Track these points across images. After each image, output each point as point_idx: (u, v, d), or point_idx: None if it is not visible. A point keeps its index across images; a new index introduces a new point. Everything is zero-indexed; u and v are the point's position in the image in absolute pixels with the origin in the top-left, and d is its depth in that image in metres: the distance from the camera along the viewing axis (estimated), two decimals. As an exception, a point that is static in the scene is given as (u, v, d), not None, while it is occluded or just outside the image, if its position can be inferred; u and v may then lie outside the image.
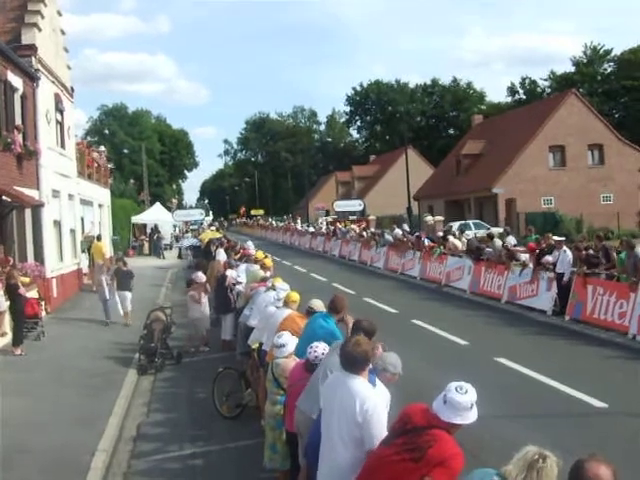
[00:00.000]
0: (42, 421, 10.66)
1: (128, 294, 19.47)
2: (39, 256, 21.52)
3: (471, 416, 4.48)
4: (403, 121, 79.73)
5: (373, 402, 5.00)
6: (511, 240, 23.36)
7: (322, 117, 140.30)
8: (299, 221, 68.23)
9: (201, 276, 16.79)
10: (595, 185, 50.25)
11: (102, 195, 36.78)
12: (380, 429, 4.91)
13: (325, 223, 56.81)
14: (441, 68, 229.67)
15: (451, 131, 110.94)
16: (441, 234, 28.73)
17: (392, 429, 4.73)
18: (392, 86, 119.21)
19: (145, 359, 14.46)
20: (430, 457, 4.35)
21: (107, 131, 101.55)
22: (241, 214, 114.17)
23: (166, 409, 11.85)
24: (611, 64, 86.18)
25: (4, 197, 18.65)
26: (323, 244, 45.56)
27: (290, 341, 7.46)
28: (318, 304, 8.84)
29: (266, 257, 16.67)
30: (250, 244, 21.48)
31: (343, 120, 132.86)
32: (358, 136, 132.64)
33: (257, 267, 14.82)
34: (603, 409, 10.46)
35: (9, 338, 16.22)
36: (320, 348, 6.55)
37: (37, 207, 21.43)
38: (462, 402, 4.43)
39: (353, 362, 5.20)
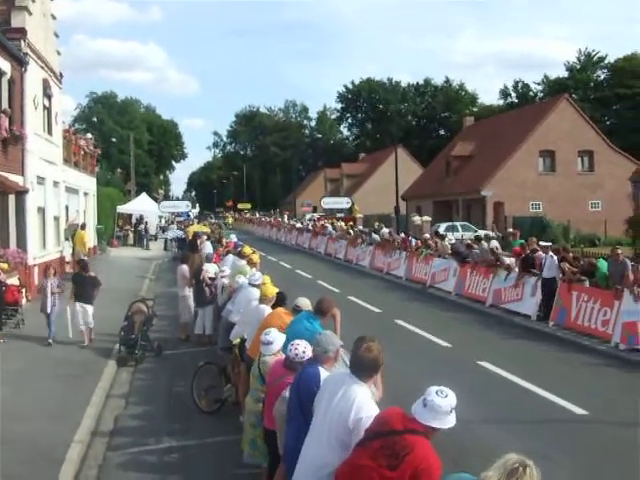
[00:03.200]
0: (18, 411, 10.57)
1: (89, 308, 15.55)
2: (22, 243, 21.38)
3: (450, 420, 4.46)
4: (394, 120, 79.75)
5: (369, 413, 4.94)
6: (494, 244, 23.45)
7: (313, 113, 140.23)
8: (286, 217, 68.17)
9: (185, 269, 16.74)
10: (584, 191, 50.44)
11: (88, 183, 36.62)
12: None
13: (313, 220, 56.69)
14: (434, 68, 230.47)
15: (442, 132, 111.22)
16: (427, 236, 28.81)
17: (368, 431, 4.69)
18: (384, 85, 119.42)
19: (125, 350, 14.39)
20: (407, 465, 4.30)
21: (95, 119, 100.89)
22: (229, 206, 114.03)
23: (144, 402, 11.79)
24: (605, 71, 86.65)
25: (-13, 182, 18.52)
26: (309, 241, 45.53)
27: (278, 338, 7.40)
28: (304, 302, 8.81)
29: (254, 253, 16.65)
30: (233, 237, 21.43)
31: (334, 117, 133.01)
32: (348, 134, 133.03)
33: (244, 262, 14.79)
34: (584, 416, 10.49)
35: (-12, 325, 16.06)
36: (301, 346, 6.50)
37: (21, 193, 21.30)
38: (442, 406, 4.41)
39: (361, 367, 5.13)
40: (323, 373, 5.71)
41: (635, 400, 11.49)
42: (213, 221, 45.62)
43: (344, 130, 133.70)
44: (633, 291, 14.96)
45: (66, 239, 28.33)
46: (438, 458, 4.38)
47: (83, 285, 15.67)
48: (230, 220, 46.32)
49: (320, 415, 5.20)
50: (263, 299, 9.86)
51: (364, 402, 5.00)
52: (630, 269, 15.91)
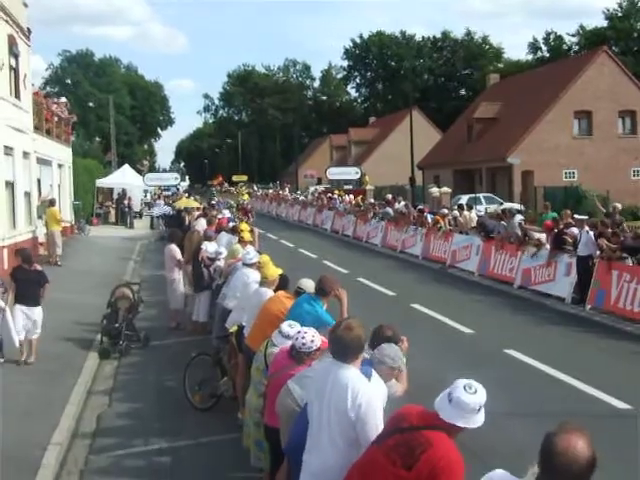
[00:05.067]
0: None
1: (36, 312, 13.55)
2: (-12, 222, 21.40)
3: (478, 420, 4.42)
4: (408, 79, 79.18)
5: (367, 396, 4.96)
6: (520, 217, 23.35)
7: (316, 72, 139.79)
8: (287, 189, 68.15)
9: (174, 249, 16.75)
10: (625, 157, 50.22)
11: (62, 154, 36.56)
12: (375, 426, 4.87)
13: (317, 193, 56.64)
14: (452, 19, 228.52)
15: (463, 92, 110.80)
16: (445, 211, 28.76)
17: (385, 427, 4.71)
18: (396, 39, 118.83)
19: (108, 341, 14.45)
20: (423, 464, 4.29)
21: (69, 81, 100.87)
22: (217, 183, 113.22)
23: (130, 399, 11.86)
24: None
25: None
26: (313, 216, 45.57)
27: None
28: (308, 284, 8.83)
29: (251, 231, 16.69)
30: (226, 212, 21.46)
31: (340, 76, 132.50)
32: (357, 95, 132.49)
33: (236, 240, 14.82)
34: (627, 410, 10.52)
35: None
36: (309, 335, 6.52)
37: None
38: (470, 403, 4.36)
39: (344, 349, 5.15)
40: (375, 377, 5.55)
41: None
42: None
43: (352, 91, 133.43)
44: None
45: (39, 217, 28.36)
46: (460, 455, 4.36)
47: (26, 283, 13.48)
48: (246, 197, 45.32)
49: (314, 416, 5.21)
50: (264, 282, 9.86)
51: (358, 386, 5.01)
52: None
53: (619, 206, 19.80)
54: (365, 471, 4.59)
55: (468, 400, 4.35)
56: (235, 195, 63.29)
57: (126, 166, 57.59)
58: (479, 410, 4.41)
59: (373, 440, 4.73)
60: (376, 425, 4.86)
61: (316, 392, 5.27)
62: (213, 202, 37.20)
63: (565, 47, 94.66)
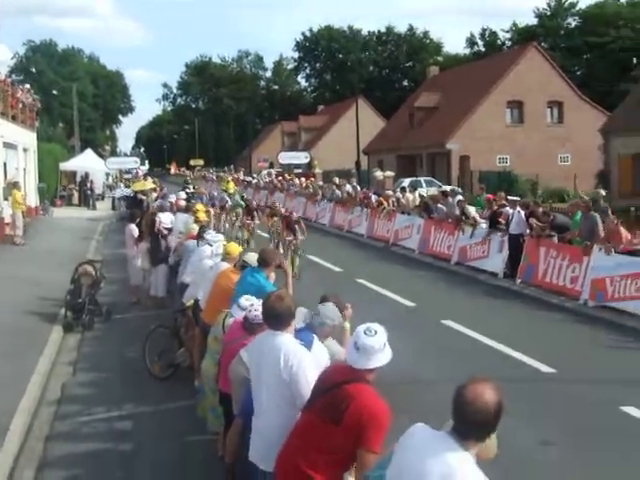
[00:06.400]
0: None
1: None
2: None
3: (386, 356, 4.53)
4: (355, 70, 79.32)
5: (298, 358, 5.03)
6: (460, 198, 23.62)
7: (269, 63, 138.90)
8: (242, 173, 67.76)
9: (133, 229, 16.59)
10: (553, 144, 50.85)
11: (27, 138, 35.88)
12: (308, 386, 4.92)
13: (273, 174, 56.34)
14: (396, 16, 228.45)
15: (405, 83, 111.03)
16: (390, 192, 28.94)
17: (312, 390, 4.77)
18: (344, 32, 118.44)
19: (72, 316, 14.26)
20: (349, 417, 4.36)
21: (34, 69, 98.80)
22: (170, 169, 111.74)
23: (93, 369, 11.75)
24: (576, 18, 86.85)
25: None
26: (266, 198, 45.39)
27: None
28: (252, 258, 8.82)
29: (207, 211, 16.59)
30: (182, 194, 21.28)
31: (291, 67, 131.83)
32: (306, 85, 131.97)
33: (192, 220, 14.72)
34: (551, 374, 10.76)
35: None
36: (260, 307, 6.52)
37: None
38: (374, 344, 4.46)
39: (276, 318, 5.23)
40: (317, 342, 5.69)
41: (602, 357, 11.82)
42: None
43: (302, 81, 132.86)
44: (604, 247, 15.27)
45: (5, 199, 27.88)
46: (384, 404, 4.44)
47: None
48: (231, 186, 36.41)
49: (257, 381, 5.27)
50: (226, 257, 9.75)
51: (290, 349, 5.09)
52: (600, 224, 16.17)
53: (603, 192, 19.97)
54: (301, 433, 4.66)
55: (372, 342, 4.46)
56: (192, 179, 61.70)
57: (88, 150, 56.74)
58: (385, 347, 4.52)
59: (304, 405, 4.79)
60: (308, 385, 4.91)
61: (256, 359, 5.32)
62: (188, 190, 35.11)
63: (499, 42, 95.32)
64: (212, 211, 18.34)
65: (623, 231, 15.57)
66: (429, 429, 3.64)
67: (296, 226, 19.40)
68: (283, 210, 23.19)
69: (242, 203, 27.59)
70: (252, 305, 6.63)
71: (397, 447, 3.73)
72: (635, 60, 61.79)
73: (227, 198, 29.65)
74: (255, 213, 25.15)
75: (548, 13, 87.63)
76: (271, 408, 5.10)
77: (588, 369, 11.15)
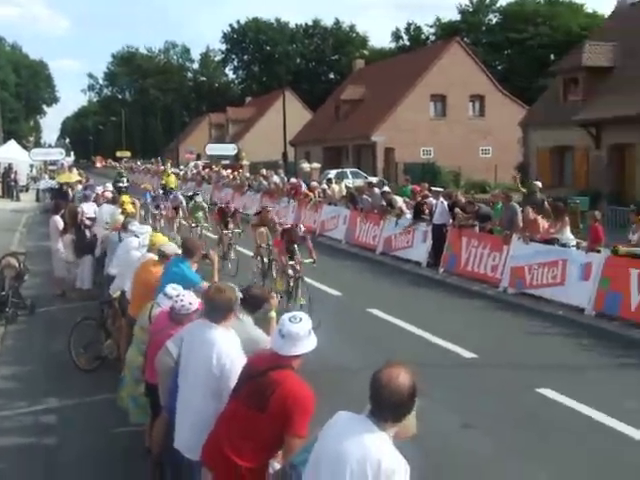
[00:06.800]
0: None
1: None
2: None
3: (311, 343, 4.59)
4: (282, 63, 79.17)
5: (231, 358, 5.02)
6: (386, 189, 23.87)
7: (196, 55, 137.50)
8: (169, 165, 66.96)
9: (58, 220, 16.23)
10: (475, 137, 51.75)
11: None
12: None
13: (200, 166, 55.80)
14: (323, 9, 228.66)
15: (331, 76, 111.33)
16: (315, 184, 28.99)
17: (239, 378, 4.78)
18: (271, 25, 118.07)
19: (-6, 309, 13.91)
20: (274, 403, 4.40)
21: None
22: (96, 162, 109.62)
23: (17, 362, 11.46)
24: (497, 15, 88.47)
25: None
26: (193, 190, 44.94)
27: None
28: (170, 248, 8.75)
29: (133, 203, 16.33)
30: (109, 186, 20.94)
31: (218, 59, 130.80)
32: (234, 76, 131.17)
33: (119, 212, 14.48)
34: (473, 359, 10.99)
35: None
36: (187, 297, 6.47)
37: None
38: (299, 331, 4.52)
39: (215, 310, 5.21)
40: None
41: (521, 342, 12.13)
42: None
43: (229, 73, 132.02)
44: (523, 236, 15.65)
45: None
46: (308, 390, 4.49)
47: None
48: (172, 180, 34.36)
49: (185, 371, 5.24)
50: (152, 249, 9.60)
51: (224, 346, 5.07)
52: (519, 215, 16.56)
53: (539, 184, 20.26)
54: (228, 420, 4.67)
55: (297, 329, 4.51)
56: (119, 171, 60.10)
57: (11, 141, 55.29)
58: (310, 334, 4.58)
59: (231, 393, 4.80)
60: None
61: (187, 349, 5.29)
62: (121, 184, 32.72)
63: (424, 37, 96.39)
64: (137, 202, 17.96)
65: (541, 221, 15.97)
66: (349, 414, 3.70)
67: (296, 246, 14.05)
68: (281, 220, 18.75)
69: (205, 205, 22.91)
70: (178, 295, 6.57)
71: (320, 434, 3.78)
72: (553, 56, 63.33)
73: (181, 197, 23.96)
74: (231, 219, 19.43)
75: (470, 9, 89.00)
76: (197, 398, 5.07)
77: (508, 354, 11.42)
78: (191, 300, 6.42)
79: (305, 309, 11.53)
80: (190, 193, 26.89)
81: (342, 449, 3.48)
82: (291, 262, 13.67)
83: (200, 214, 21.82)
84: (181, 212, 23.22)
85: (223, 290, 5.28)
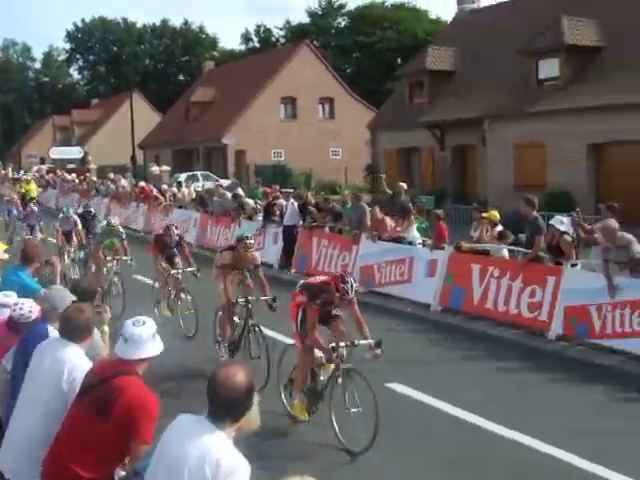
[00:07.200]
0: None
1: None
2: None
3: (156, 347, 4.52)
4: (130, 63, 77.57)
5: (82, 370, 4.81)
6: (240, 192, 23.86)
7: (37, 54, 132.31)
8: (10, 169, 64.13)
9: None
10: (325, 139, 52.52)
11: None
12: None
13: (43, 170, 53.70)
14: (171, 9, 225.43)
15: (181, 77, 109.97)
16: (165, 187, 28.62)
17: (81, 385, 4.61)
18: (118, 24, 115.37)
19: None
20: (118, 410, 4.26)
21: None
22: None
23: None
24: (345, 18, 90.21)
25: None
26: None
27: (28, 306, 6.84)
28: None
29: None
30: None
31: (62, 58, 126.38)
32: (79, 77, 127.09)
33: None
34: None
35: None
36: (27, 305, 6.19)
37: None
38: (143, 334, 4.45)
39: (73, 329, 5.00)
40: (53, 332, 5.45)
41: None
42: None
43: (74, 73, 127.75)
44: (371, 235, 15.98)
45: None
46: (152, 395, 4.41)
47: None
48: (33, 189, 30.60)
49: (27, 384, 4.99)
50: None
51: (78, 364, 4.88)
52: (368, 214, 16.89)
53: (404, 186, 20.41)
54: (69, 428, 4.47)
55: (141, 332, 4.44)
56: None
57: None
58: (154, 337, 4.51)
59: (72, 402, 4.60)
60: None
61: (36, 361, 5.03)
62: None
63: (274, 39, 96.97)
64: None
65: (388, 220, 16.36)
66: (190, 416, 3.70)
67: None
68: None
69: (122, 230, 15.46)
70: (16, 304, 6.28)
71: (162, 437, 3.75)
72: (399, 60, 65.27)
73: (76, 219, 17.06)
74: (178, 253, 13.86)
75: (320, 12, 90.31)
76: (36, 415, 4.80)
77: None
78: (30, 308, 6.18)
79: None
80: (81, 210, 19.68)
81: (182, 451, 3.49)
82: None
83: (115, 242, 15.20)
84: (75, 239, 16.83)
85: (82, 310, 5.08)
